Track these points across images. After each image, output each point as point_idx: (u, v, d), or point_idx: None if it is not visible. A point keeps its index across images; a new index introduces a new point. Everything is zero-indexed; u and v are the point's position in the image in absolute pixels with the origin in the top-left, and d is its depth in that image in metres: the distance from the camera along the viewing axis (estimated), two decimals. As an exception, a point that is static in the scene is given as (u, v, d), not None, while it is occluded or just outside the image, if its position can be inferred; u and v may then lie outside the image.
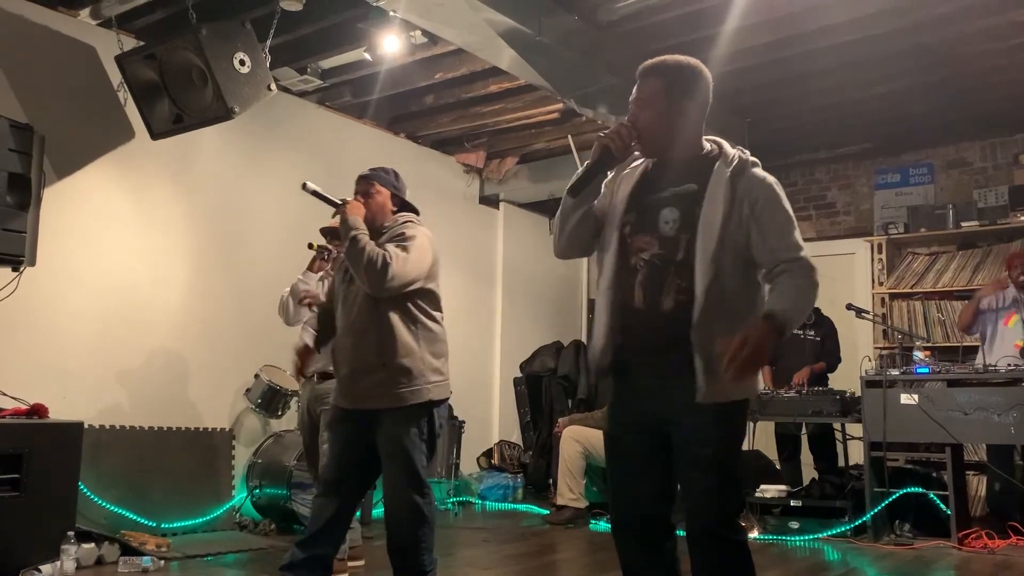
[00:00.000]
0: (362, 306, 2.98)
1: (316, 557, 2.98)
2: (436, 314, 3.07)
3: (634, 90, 2.28)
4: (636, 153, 2.33)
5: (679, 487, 2.24)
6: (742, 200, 2.19)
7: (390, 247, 2.92)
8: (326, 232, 4.26)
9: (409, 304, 2.98)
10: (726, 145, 2.30)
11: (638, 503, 2.26)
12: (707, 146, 2.30)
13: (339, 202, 3.03)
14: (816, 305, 6.11)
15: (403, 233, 3.01)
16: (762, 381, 2.37)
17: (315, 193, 3.03)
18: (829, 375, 6.22)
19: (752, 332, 2.04)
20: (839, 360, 6.15)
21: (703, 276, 2.13)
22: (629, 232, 2.26)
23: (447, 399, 3.10)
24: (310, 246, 4.32)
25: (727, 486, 2.19)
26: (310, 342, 3.44)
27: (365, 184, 3.14)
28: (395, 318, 2.95)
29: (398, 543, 2.98)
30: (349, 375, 3.02)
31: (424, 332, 3.01)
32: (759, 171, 2.26)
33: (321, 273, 4.32)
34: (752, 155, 2.30)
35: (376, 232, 3.06)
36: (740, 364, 2.01)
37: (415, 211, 3.22)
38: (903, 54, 5.17)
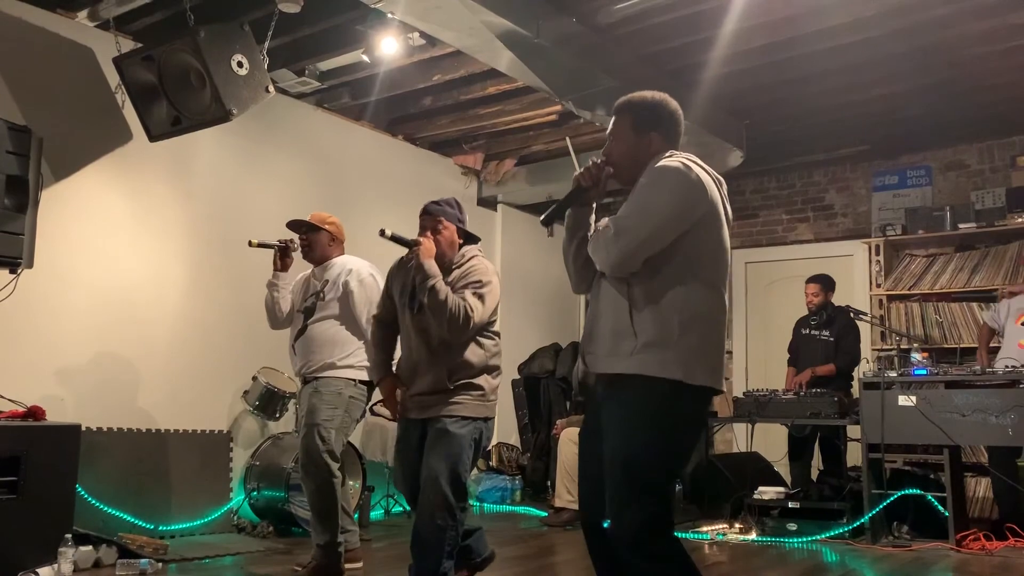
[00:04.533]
0: (430, 337, 3.11)
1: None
2: (497, 338, 3.25)
3: (609, 124, 2.47)
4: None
5: None
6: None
7: (469, 297, 3.05)
8: (292, 225, 4.16)
9: (478, 333, 3.15)
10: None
11: (593, 507, 2.37)
12: None
13: (413, 243, 3.13)
14: (832, 301, 6.15)
15: (479, 280, 3.13)
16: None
17: (392, 237, 3.15)
18: (852, 373, 6.08)
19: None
20: (855, 360, 6.00)
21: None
22: None
23: (493, 418, 3.24)
24: (250, 243, 4.16)
25: (630, 488, 2.16)
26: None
27: (432, 221, 3.21)
28: (468, 348, 3.12)
29: (422, 536, 3.02)
30: (421, 393, 3.14)
31: (489, 355, 3.19)
32: (660, 163, 2.32)
33: (296, 274, 4.19)
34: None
35: (446, 267, 3.17)
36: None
37: (477, 239, 3.36)
38: (901, 57, 5.18)
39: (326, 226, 4.07)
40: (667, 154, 2.35)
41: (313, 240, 4.07)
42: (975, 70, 5.43)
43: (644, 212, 2.24)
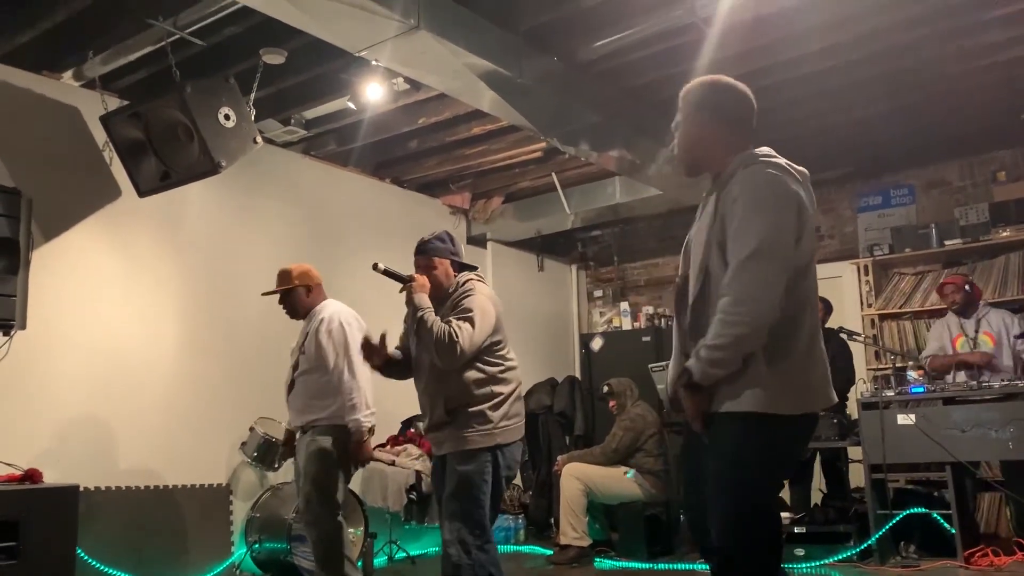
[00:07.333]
0: (431, 369, 3.12)
1: None
2: (505, 362, 3.20)
3: None
4: None
5: None
6: (725, 200, 2.22)
7: (454, 322, 3.04)
8: (267, 294, 4.23)
9: (476, 360, 3.11)
10: (751, 152, 2.32)
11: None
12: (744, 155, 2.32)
13: (407, 278, 3.17)
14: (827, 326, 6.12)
15: (462, 304, 3.13)
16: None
17: (386, 272, 3.16)
18: (848, 393, 6.06)
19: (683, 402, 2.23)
20: (850, 381, 6.00)
21: (694, 286, 2.22)
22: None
23: (517, 441, 3.20)
24: None
25: (729, 504, 2.18)
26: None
27: (424, 260, 3.27)
28: (464, 376, 3.09)
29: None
30: (428, 429, 3.21)
31: (493, 380, 3.13)
32: (750, 169, 2.25)
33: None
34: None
35: (442, 300, 3.21)
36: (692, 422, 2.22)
37: (473, 268, 3.37)
38: (878, 79, 5.26)
39: (294, 282, 4.06)
40: (757, 151, 2.30)
41: (291, 302, 4.10)
42: (952, 88, 5.51)
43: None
